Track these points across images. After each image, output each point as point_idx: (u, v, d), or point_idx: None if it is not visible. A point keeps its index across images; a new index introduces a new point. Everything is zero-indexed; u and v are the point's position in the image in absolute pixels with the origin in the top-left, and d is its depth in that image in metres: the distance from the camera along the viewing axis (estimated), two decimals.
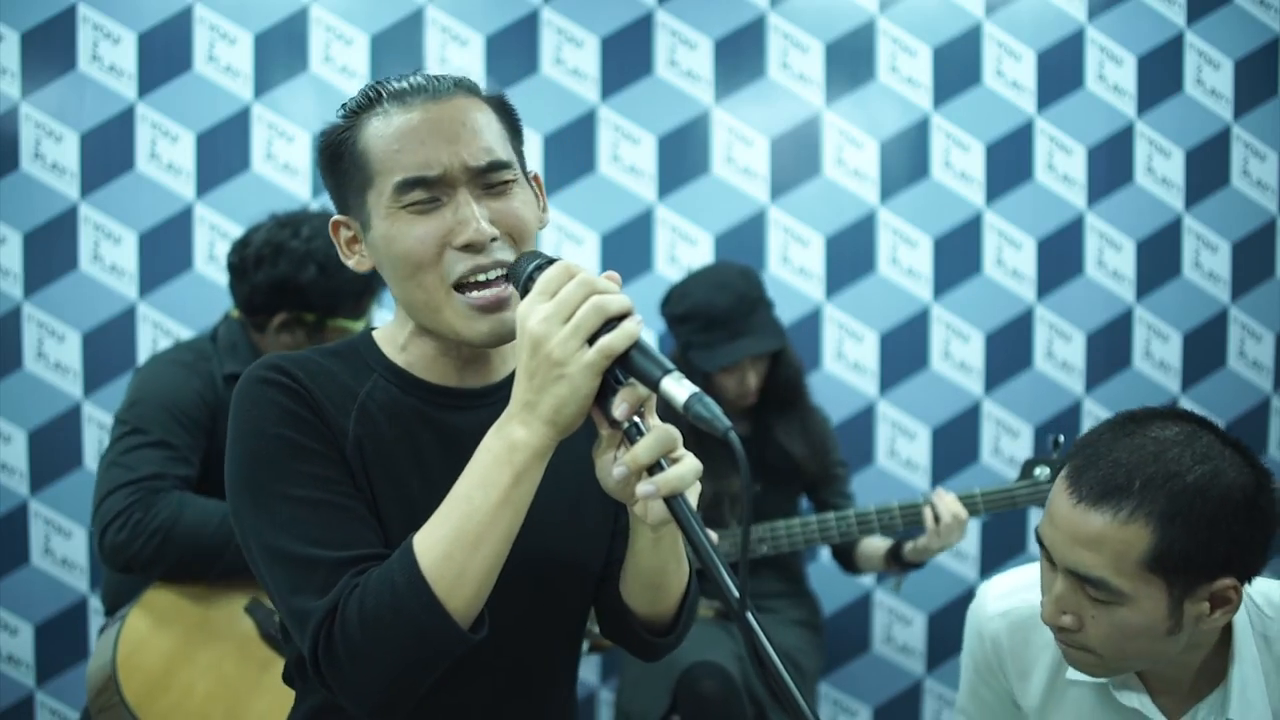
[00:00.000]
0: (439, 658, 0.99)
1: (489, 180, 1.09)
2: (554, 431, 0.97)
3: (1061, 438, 2.07)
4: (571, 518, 1.16)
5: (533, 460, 0.98)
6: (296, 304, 2.02)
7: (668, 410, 0.96)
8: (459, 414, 1.15)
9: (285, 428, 1.06)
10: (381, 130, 1.09)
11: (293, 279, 2.00)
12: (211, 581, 1.88)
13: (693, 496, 0.97)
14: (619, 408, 0.96)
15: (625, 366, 0.94)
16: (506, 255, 1.08)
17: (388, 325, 1.20)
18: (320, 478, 1.06)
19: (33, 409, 2.80)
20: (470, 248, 1.06)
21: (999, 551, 3.03)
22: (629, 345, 0.93)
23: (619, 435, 1.00)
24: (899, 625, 3.02)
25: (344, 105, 1.15)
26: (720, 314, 2.36)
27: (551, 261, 1.00)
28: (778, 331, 2.42)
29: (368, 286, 2.07)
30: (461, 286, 1.08)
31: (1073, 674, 1.31)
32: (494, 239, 1.07)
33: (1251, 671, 1.24)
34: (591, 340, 0.94)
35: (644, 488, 0.94)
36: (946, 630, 3.00)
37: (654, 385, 0.92)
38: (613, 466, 0.99)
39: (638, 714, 2.27)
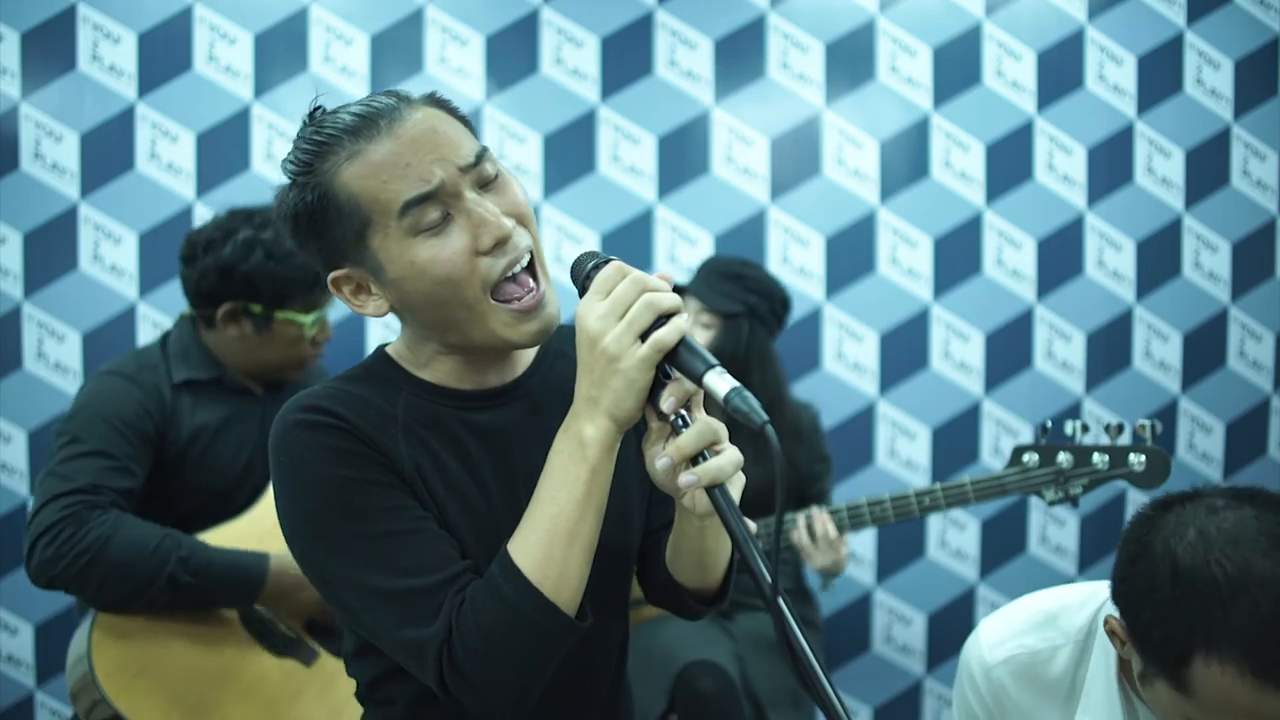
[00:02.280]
0: (559, 651, 1.06)
1: (483, 175, 1.10)
2: (616, 425, 1.03)
3: (1050, 423, 2.09)
4: (616, 503, 1.19)
5: (603, 453, 1.04)
6: (243, 292, 1.94)
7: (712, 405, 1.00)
8: (490, 413, 1.17)
9: (342, 468, 1.06)
10: (360, 171, 1.06)
11: (238, 264, 1.92)
12: (138, 613, 1.80)
13: (735, 488, 1.01)
14: (667, 401, 1.01)
15: (673, 361, 0.99)
16: (527, 240, 1.11)
17: (399, 344, 1.20)
18: (391, 508, 1.07)
19: (33, 409, 2.81)
20: (500, 245, 1.08)
21: (999, 552, 3.03)
22: (678, 340, 0.98)
23: (667, 428, 1.04)
24: (899, 625, 3.02)
25: (291, 163, 1.10)
26: (718, 264, 2.55)
27: (608, 261, 1.04)
28: (742, 327, 2.46)
29: (318, 279, 1.94)
30: (497, 288, 1.09)
31: (1080, 712, 1.29)
32: (512, 231, 1.09)
33: None
34: (644, 337, 0.99)
35: (686, 478, 0.99)
36: (946, 630, 3.00)
37: (698, 379, 0.96)
38: (658, 458, 1.03)
39: (636, 714, 2.27)
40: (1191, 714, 1.07)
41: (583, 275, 1.06)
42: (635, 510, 1.25)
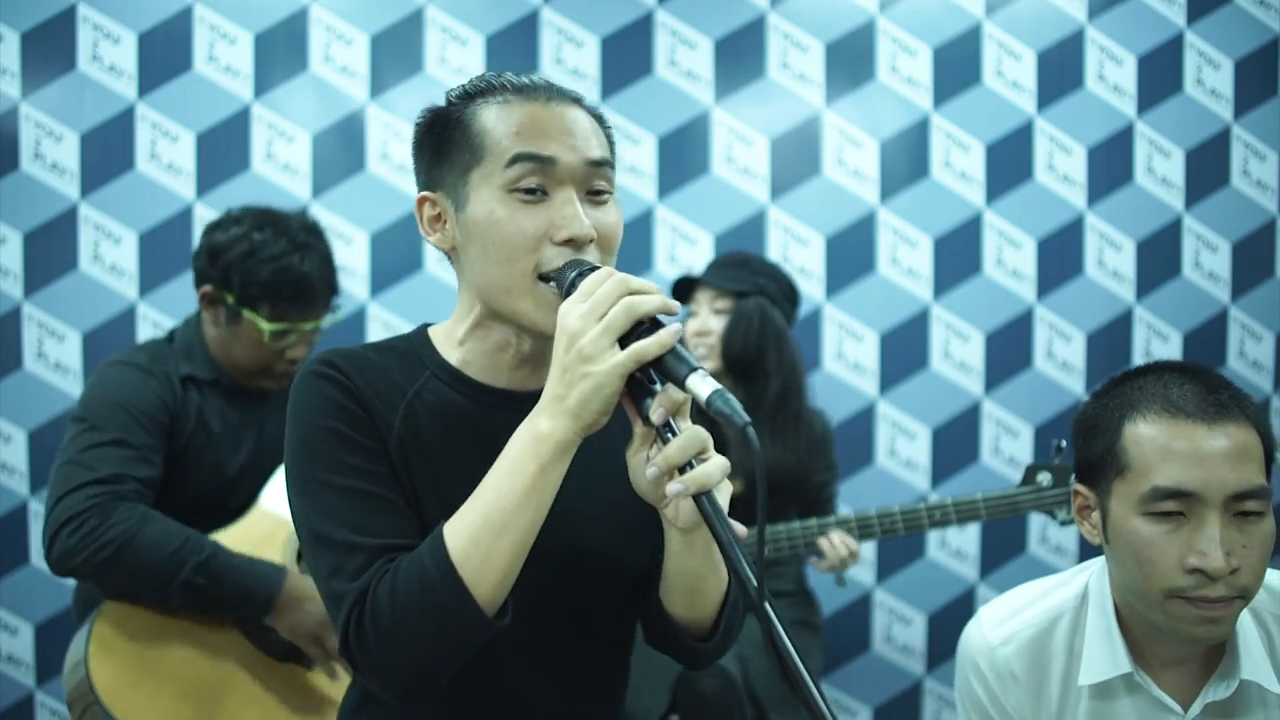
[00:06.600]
0: (462, 642, 1.03)
1: (594, 184, 1.12)
2: (579, 426, 1.01)
3: (1064, 442, 2.06)
4: (611, 515, 1.18)
5: (557, 452, 1.02)
6: (220, 279, 1.96)
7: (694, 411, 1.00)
8: (506, 416, 1.13)
9: (333, 420, 1.10)
10: (503, 115, 1.11)
11: (224, 252, 1.95)
12: (152, 609, 1.79)
13: (723, 496, 1.00)
14: (655, 412, 1.00)
15: (657, 367, 0.99)
16: (597, 261, 1.11)
17: (445, 323, 1.22)
18: (364, 469, 1.10)
19: (33, 409, 2.81)
20: (571, 243, 1.09)
21: (999, 551, 3.03)
22: (662, 353, 0.97)
23: (652, 435, 1.04)
24: (899, 625, 3.02)
25: (456, 91, 1.17)
26: (724, 256, 2.61)
27: (595, 269, 1.05)
28: (755, 305, 2.46)
29: (296, 296, 1.95)
30: (545, 278, 1.10)
31: (1083, 678, 1.32)
32: (590, 240, 1.10)
33: (1251, 637, 1.28)
34: (625, 341, 0.98)
35: (673, 486, 0.98)
36: (946, 630, 3.00)
37: (680, 382, 0.96)
38: (645, 467, 1.03)
39: (637, 714, 2.27)
40: (1141, 500, 1.22)
41: (566, 282, 1.06)
42: (635, 528, 1.20)
